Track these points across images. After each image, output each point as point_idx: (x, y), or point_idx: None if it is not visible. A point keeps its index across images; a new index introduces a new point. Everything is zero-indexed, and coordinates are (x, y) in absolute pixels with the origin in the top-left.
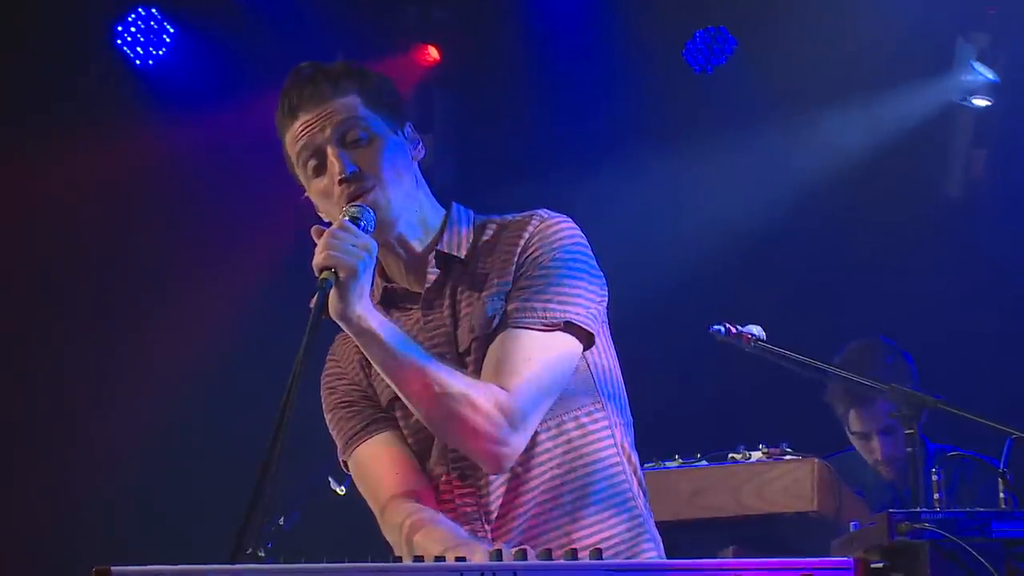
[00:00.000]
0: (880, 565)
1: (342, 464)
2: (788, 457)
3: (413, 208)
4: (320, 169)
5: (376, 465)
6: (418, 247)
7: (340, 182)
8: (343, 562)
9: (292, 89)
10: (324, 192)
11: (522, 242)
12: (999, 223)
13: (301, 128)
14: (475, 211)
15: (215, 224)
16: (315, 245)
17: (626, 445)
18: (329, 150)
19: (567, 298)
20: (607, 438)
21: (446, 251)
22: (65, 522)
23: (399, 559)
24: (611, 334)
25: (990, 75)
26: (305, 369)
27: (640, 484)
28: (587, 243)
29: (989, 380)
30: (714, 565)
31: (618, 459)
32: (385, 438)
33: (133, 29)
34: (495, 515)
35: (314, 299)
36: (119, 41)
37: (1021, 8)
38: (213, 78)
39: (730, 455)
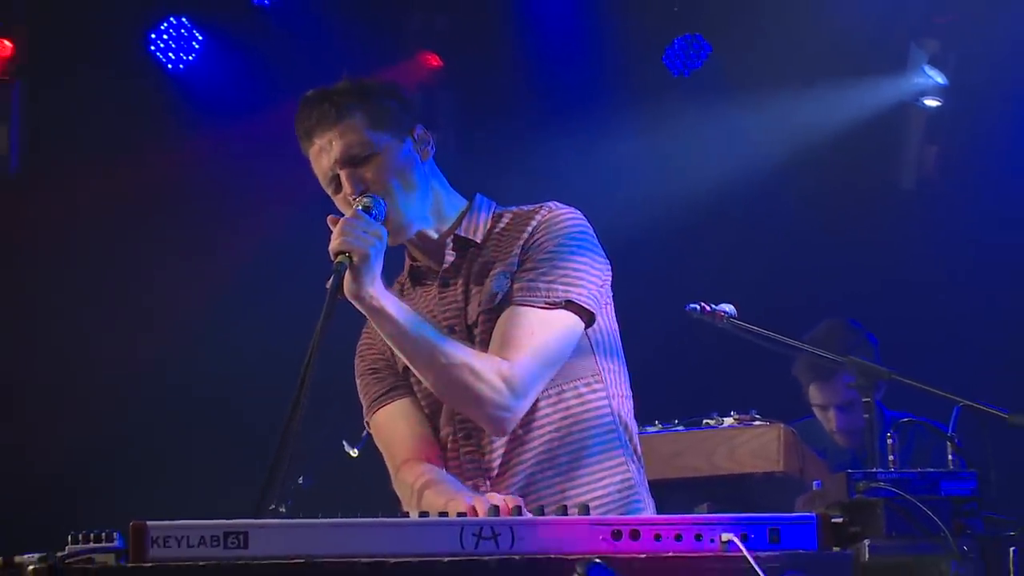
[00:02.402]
0: (840, 520)
1: (365, 424)
2: (757, 423)
3: (425, 204)
4: (338, 187)
5: (393, 428)
6: (434, 235)
7: (351, 199)
8: (357, 517)
9: (303, 116)
10: (343, 203)
11: (530, 228)
12: (949, 212)
13: (316, 151)
14: (495, 202)
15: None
16: (331, 232)
17: (623, 414)
18: (340, 174)
19: (569, 279)
20: (604, 408)
21: (463, 235)
22: (85, 478)
23: (407, 514)
24: (615, 314)
25: (940, 78)
26: (321, 344)
27: (636, 451)
28: (591, 230)
29: (942, 354)
30: (690, 520)
31: (613, 427)
32: (403, 404)
33: (165, 36)
34: (496, 472)
35: (330, 281)
36: (152, 47)
37: (968, 17)
38: (239, 81)
39: (704, 421)
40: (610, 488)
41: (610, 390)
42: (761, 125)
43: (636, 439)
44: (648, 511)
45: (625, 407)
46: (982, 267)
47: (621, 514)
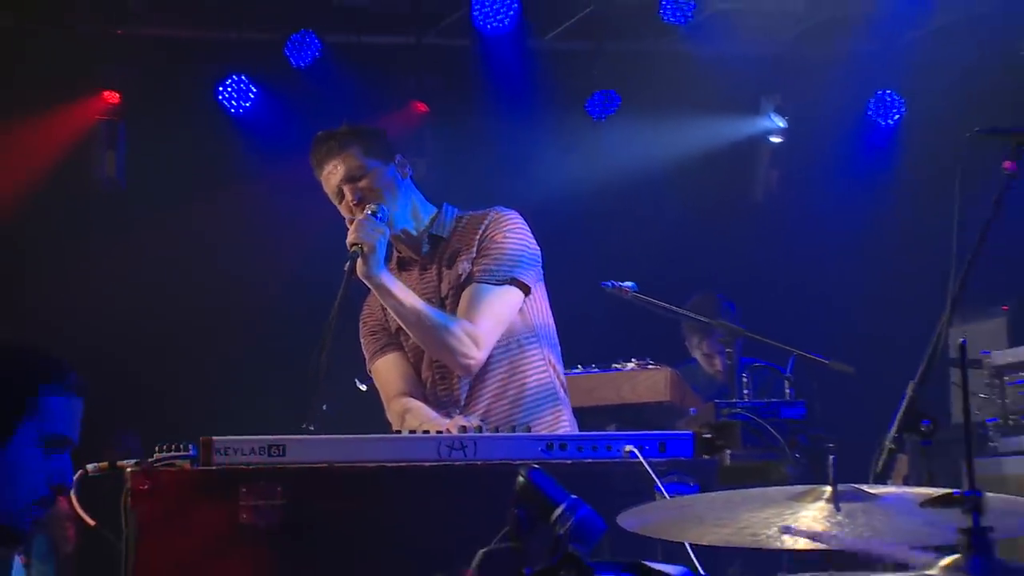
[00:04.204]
0: (709, 436)
1: (368, 371)
2: (650, 366)
3: (407, 209)
4: (342, 198)
5: (387, 373)
6: (414, 232)
7: (353, 206)
8: (361, 434)
9: (315, 151)
10: (347, 210)
11: (484, 226)
12: (787, 218)
13: (326, 174)
14: (457, 208)
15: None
16: (347, 231)
17: (552, 360)
18: (344, 188)
19: (513, 262)
20: (538, 356)
21: (436, 233)
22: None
23: (399, 432)
24: (546, 289)
25: (781, 123)
26: (342, 310)
27: (563, 386)
28: (528, 227)
29: (784, 317)
30: (605, 436)
31: (546, 369)
32: (394, 356)
33: (229, 89)
34: (463, 403)
35: (347, 265)
36: (220, 97)
37: (800, 81)
38: (283, 122)
39: (613, 365)
40: (544, 414)
41: (543, 343)
42: (655, 145)
43: (562, 378)
44: (572, 430)
45: (554, 355)
46: (811, 257)
47: (552, 431)
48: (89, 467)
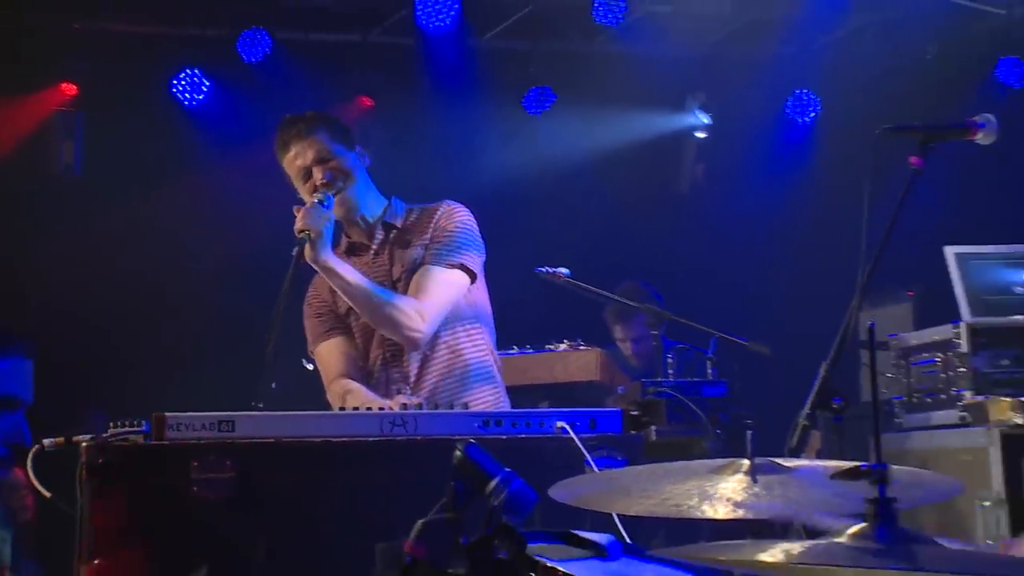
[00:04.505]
0: (636, 413)
1: (310, 352)
2: (581, 348)
3: (367, 196)
4: (307, 179)
5: (329, 356)
6: (369, 218)
7: (321, 186)
8: (308, 411)
9: (282, 131)
10: (311, 190)
11: (437, 216)
12: (710, 208)
13: (292, 156)
14: (404, 201)
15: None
16: (294, 218)
17: (491, 345)
18: (314, 169)
19: (461, 250)
20: (480, 339)
21: (390, 221)
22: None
23: (343, 410)
24: (485, 278)
25: (705, 119)
26: (290, 292)
27: (498, 367)
28: (474, 219)
29: (706, 302)
30: (537, 413)
31: (487, 351)
32: (339, 339)
33: (183, 82)
34: (412, 381)
35: (295, 250)
36: (173, 89)
37: (724, 80)
38: (234, 114)
39: (546, 346)
40: (485, 393)
41: (483, 327)
42: (588, 139)
43: (499, 361)
44: (507, 407)
45: (492, 339)
46: (732, 245)
47: (490, 409)
48: (46, 442)
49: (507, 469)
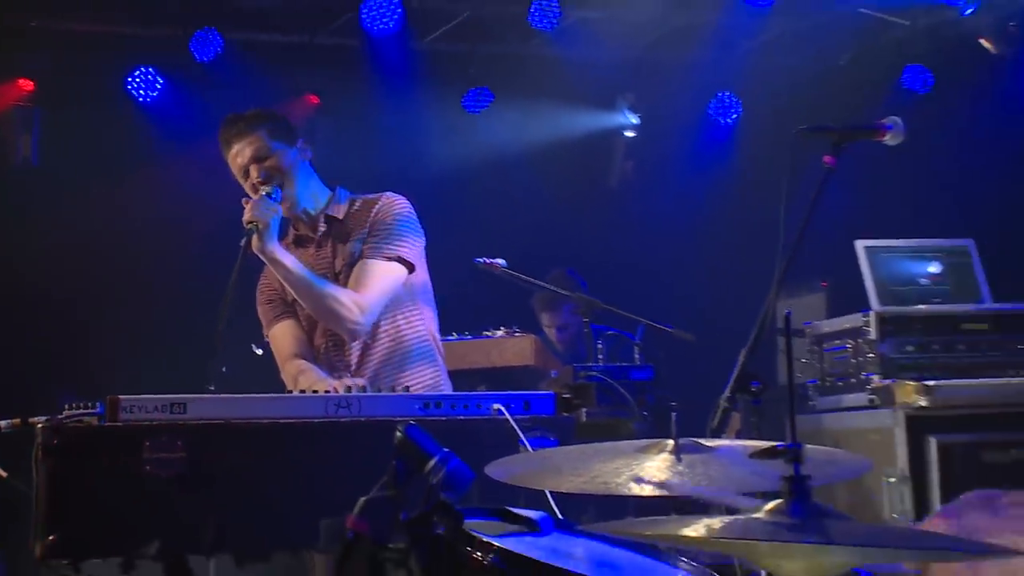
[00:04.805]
0: (568, 396)
1: (264, 336)
2: (517, 334)
3: (308, 190)
4: (247, 176)
5: (282, 338)
6: (312, 211)
7: (257, 184)
8: (256, 394)
9: (224, 130)
10: (252, 189)
11: (375, 209)
12: (637, 201)
13: (234, 154)
14: (349, 191)
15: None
16: (243, 210)
17: (432, 329)
18: (251, 167)
19: (399, 243)
20: (420, 325)
21: (331, 214)
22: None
23: (291, 391)
24: (428, 265)
25: (634, 119)
26: (238, 281)
27: (440, 351)
28: (413, 211)
29: (634, 290)
30: (475, 396)
31: (427, 337)
32: (288, 323)
33: (137, 79)
34: (354, 367)
35: (243, 241)
36: (128, 86)
37: (652, 82)
38: (186, 110)
39: (484, 332)
40: (426, 376)
41: (424, 314)
42: (524, 137)
43: (440, 345)
44: (447, 390)
45: (434, 325)
46: (659, 238)
47: (431, 392)
48: (2, 424)
49: (445, 449)
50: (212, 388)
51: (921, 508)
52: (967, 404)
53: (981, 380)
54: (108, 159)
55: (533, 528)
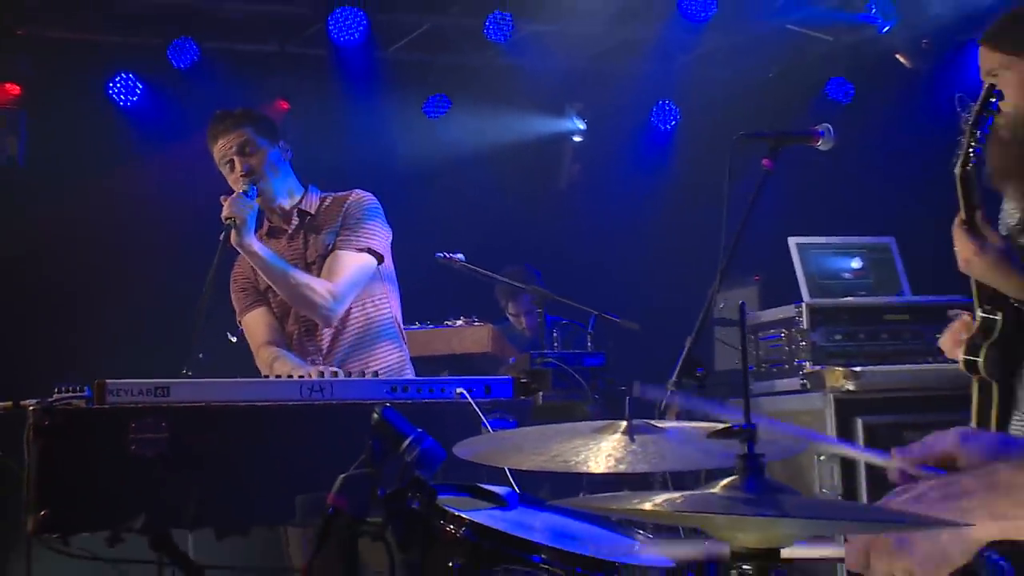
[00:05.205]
0: (525, 380)
1: (238, 323)
2: (476, 323)
3: (285, 186)
4: (232, 170)
5: (256, 325)
6: (287, 206)
7: (241, 176)
8: (234, 378)
9: (212, 125)
10: (235, 182)
11: (346, 205)
12: (585, 201)
13: (220, 148)
14: (319, 189)
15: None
16: (221, 207)
17: (397, 316)
18: (235, 160)
19: (369, 235)
20: (387, 312)
21: (304, 209)
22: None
23: (267, 376)
24: (393, 257)
25: (582, 125)
26: (217, 273)
27: (403, 336)
28: (381, 207)
29: (585, 283)
30: (439, 380)
31: (394, 323)
32: (262, 310)
33: (118, 85)
34: (325, 352)
35: (222, 235)
36: (110, 91)
37: (598, 91)
38: (165, 114)
39: (446, 321)
40: (391, 362)
41: (391, 303)
42: (479, 140)
43: (403, 330)
44: (410, 371)
45: (398, 311)
46: (606, 235)
47: (397, 377)
48: None
49: (419, 429)
50: (190, 373)
51: (848, 483)
52: (890, 388)
53: (902, 366)
54: (91, 159)
55: (500, 503)
